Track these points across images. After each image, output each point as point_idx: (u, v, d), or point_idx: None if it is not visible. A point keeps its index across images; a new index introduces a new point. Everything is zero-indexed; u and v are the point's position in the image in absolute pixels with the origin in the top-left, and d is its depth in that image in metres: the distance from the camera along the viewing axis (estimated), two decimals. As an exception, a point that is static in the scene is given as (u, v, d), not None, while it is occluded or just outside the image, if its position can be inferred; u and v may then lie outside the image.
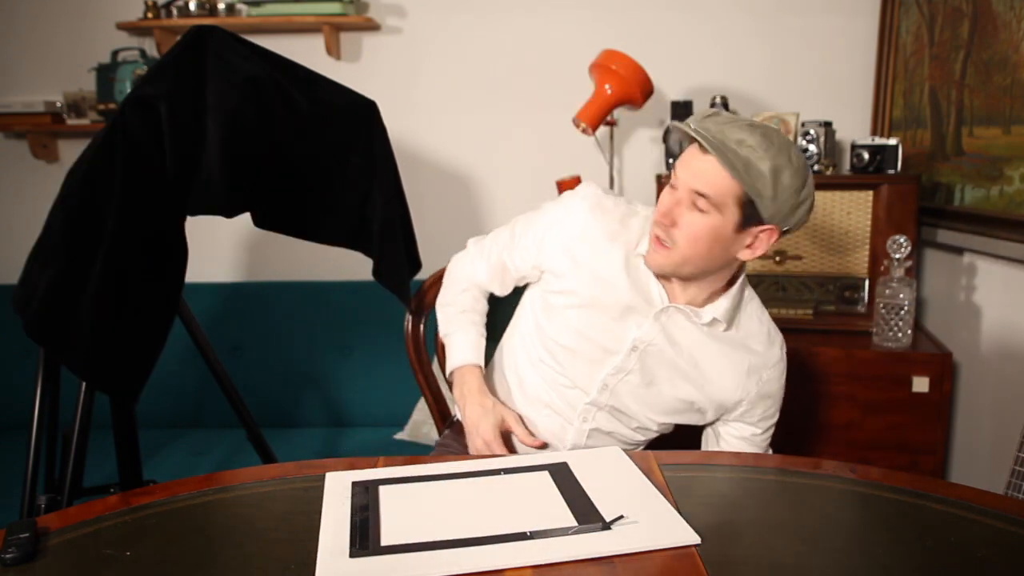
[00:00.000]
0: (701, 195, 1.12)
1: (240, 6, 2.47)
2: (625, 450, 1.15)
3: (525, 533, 0.89)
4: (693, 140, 1.13)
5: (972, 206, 1.92)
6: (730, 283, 1.26)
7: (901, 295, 1.91)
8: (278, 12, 2.42)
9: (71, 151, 2.61)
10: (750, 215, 1.12)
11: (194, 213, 1.44)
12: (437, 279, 1.61)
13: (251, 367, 2.37)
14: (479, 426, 1.28)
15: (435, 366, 1.67)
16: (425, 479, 1.05)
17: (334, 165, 1.52)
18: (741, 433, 1.32)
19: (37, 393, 1.52)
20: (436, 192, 2.59)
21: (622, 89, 2.18)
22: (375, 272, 1.60)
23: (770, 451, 1.37)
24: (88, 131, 2.49)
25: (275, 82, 1.43)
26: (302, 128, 1.47)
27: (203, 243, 2.10)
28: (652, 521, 0.92)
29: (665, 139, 2.26)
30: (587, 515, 0.94)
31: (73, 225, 1.37)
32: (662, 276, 1.23)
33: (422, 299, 1.62)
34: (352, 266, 2.21)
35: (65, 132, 2.59)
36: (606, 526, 0.90)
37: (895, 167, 2.05)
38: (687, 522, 0.91)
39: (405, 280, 1.60)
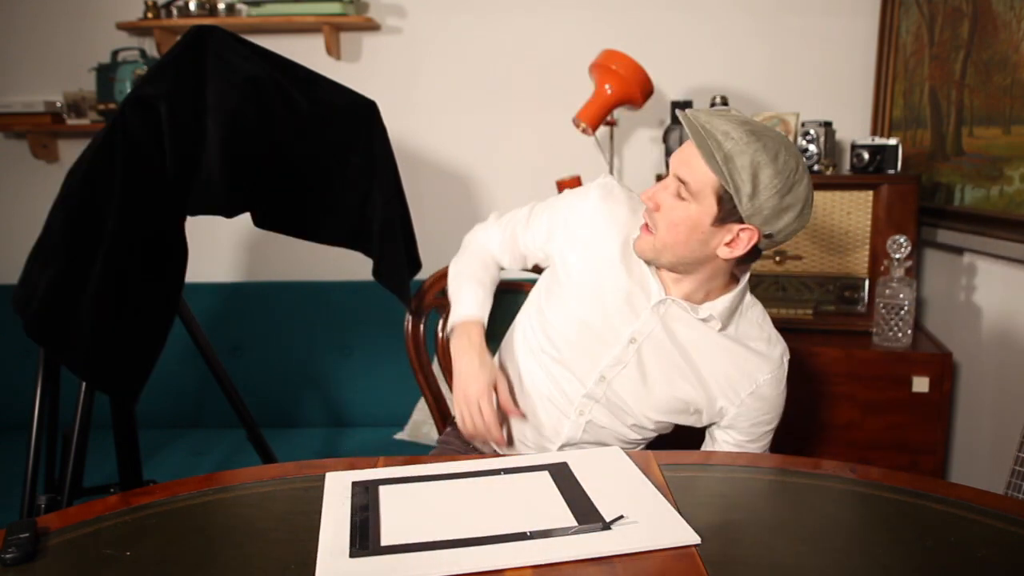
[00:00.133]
0: (683, 183, 1.14)
1: (240, 6, 2.47)
2: (625, 450, 1.15)
3: (525, 533, 0.89)
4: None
5: (972, 206, 1.92)
6: (732, 288, 1.26)
7: (901, 295, 1.91)
8: (278, 12, 2.42)
9: (71, 151, 2.61)
10: (729, 210, 1.13)
11: (194, 213, 1.44)
12: (437, 279, 1.61)
13: (251, 367, 2.37)
14: (471, 382, 1.27)
15: (435, 366, 1.67)
16: (425, 479, 1.05)
17: (334, 165, 1.53)
18: (734, 439, 1.31)
19: (37, 393, 1.52)
20: (436, 192, 2.59)
21: (622, 89, 2.18)
22: (375, 272, 1.60)
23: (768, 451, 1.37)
24: (88, 131, 2.49)
25: (275, 82, 1.43)
26: (302, 128, 1.47)
27: (203, 243, 2.10)
28: (652, 521, 0.92)
29: (665, 139, 2.26)
30: (587, 515, 0.94)
31: (73, 225, 1.37)
32: (652, 265, 1.25)
33: (422, 299, 1.62)
34: (352, 266, 2.21)
35: (65, 132, 2.59)
36: (606, 526, 0.90)
37: (895, 167, 2.05)
38: (687, 522, 0.91)
39: (405, 280, 1.60)
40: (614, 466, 1.09)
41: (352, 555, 0.85)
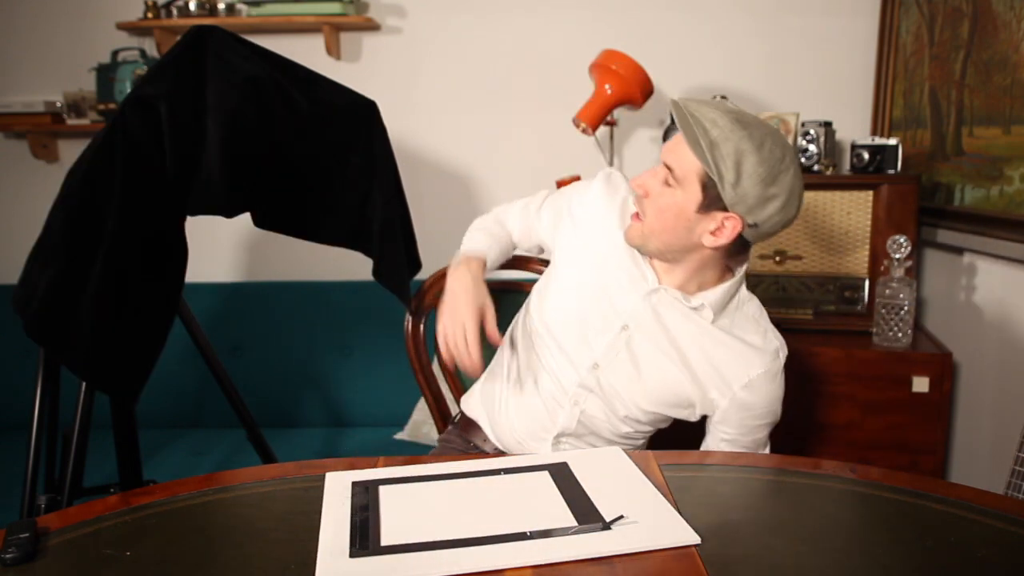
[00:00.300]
0: (669, 169, 1.17)
1: (240, 6, 2.47)
2: (624, 450, 1.15)
3: (525, 533, 0.89)
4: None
5: (972, 206, 1.92)
6: (726, 280, 1.26)
7: (901, 295, 1.91)
8: (278, 12, 2.42)
9: (71, 151, 2.61)
10: (713, 198, 1.14)
11: (194, 213, 1.44)
12: (437, 279, 1.61)
13: (251, 367, 2.37)
14: (460, 302, 1.27)
15: (435, 366, 1.67)
16: (425, 479, 1.05)
17: (334, 165, 1.53)
18: (729, 435, 1.30)
19: (37, 393, 1.52)
20: (436, 192, 2.59)
21: (622, 89, 2.18)
22: (375, 272, 1.60)
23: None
24: (88, 131, 2.49)
25: (275, 82, 1.43)
26: (302, 128, 1.47)
27: (203, 243, 2.10)
28: (652, 521, 0.92)
29: (665, 139, 2.26)
30: (587, 515, 0.94)
31: (73, 225, 1.37)
32: (642, 253, 1.26)
33: (422, 299, 1.62)
34: (352, 266, 2.21)
35: (65, 132, 2.59)
36: (606, 526, 0.90)
37: (895, 167, 2.05)
38: (687, 522, 0.92)
39: (405, 280, 1.60)
40: (614, 466, 1.09)
41: (352, 555, 0.85)
